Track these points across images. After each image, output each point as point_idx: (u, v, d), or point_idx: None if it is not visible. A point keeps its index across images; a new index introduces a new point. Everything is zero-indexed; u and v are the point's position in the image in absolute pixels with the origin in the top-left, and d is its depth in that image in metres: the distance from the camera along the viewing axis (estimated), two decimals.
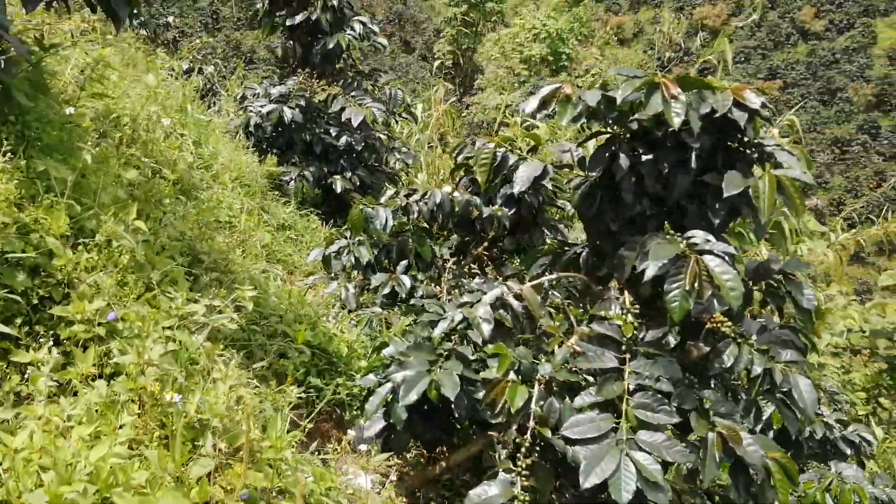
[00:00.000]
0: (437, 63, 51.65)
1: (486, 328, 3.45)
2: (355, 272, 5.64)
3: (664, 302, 2.92)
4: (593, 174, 3.41)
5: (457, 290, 5.56)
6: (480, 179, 3.64)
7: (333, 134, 7.87)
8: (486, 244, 5.84)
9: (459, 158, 5.92)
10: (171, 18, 15.69)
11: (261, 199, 6.94)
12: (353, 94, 7.69)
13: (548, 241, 4.58)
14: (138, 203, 3.32)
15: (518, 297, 3.59)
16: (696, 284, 2.85)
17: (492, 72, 49.65)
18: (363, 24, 7.78)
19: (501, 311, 3.60)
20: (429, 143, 14.32)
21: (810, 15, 54.68)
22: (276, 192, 7.67)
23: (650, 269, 2.94)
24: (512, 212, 5.64)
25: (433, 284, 5.65)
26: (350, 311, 5.34)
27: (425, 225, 5.82)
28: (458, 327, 3.60)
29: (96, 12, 3.07)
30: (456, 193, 5.48)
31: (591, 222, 3.60)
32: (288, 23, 7.62)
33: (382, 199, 6.03)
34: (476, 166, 3.61)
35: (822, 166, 44.59)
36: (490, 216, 5.36)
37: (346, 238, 5.77)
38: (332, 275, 5.69)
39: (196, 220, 4.05)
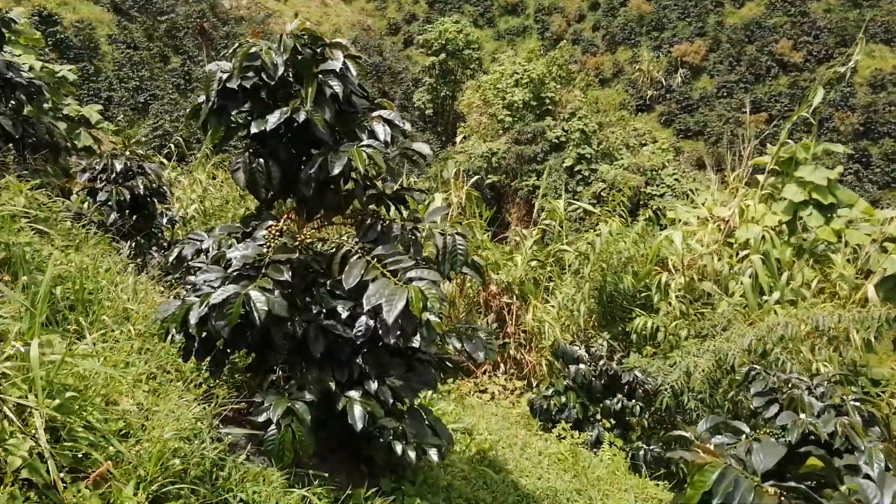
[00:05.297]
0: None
1: None
2: None
3: None
4: None
5: None
6: None
7: (343, 314, 4.15)
8: None
9: None
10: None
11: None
12: (378, 249, 4.01)
13: None
14: None
15: None
16: None
17: (475, 119, 46.07)
18: (388, 122, 4.12)
19: None
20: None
21: (788, 47, 52.14)
22: (242, 441, 3.90)
23: None
24: None
25: None
26: None
27: None
28: None
29: None
30: None
31: None
32: (255, 128, 3.92)
33: None
34: None
35: None
36: None
37: None
38: None
39: None
